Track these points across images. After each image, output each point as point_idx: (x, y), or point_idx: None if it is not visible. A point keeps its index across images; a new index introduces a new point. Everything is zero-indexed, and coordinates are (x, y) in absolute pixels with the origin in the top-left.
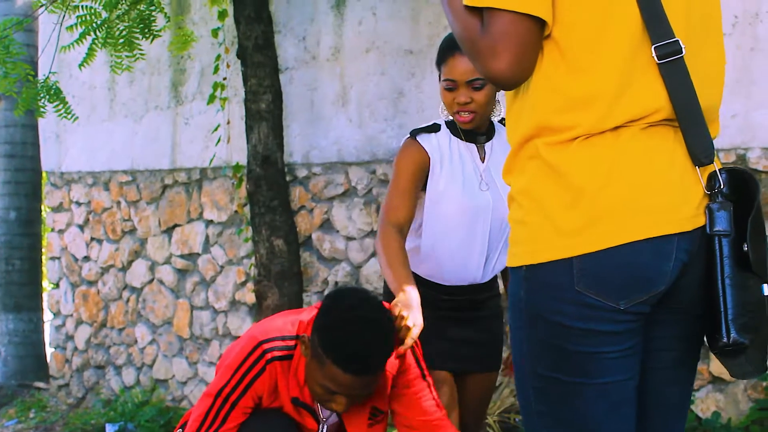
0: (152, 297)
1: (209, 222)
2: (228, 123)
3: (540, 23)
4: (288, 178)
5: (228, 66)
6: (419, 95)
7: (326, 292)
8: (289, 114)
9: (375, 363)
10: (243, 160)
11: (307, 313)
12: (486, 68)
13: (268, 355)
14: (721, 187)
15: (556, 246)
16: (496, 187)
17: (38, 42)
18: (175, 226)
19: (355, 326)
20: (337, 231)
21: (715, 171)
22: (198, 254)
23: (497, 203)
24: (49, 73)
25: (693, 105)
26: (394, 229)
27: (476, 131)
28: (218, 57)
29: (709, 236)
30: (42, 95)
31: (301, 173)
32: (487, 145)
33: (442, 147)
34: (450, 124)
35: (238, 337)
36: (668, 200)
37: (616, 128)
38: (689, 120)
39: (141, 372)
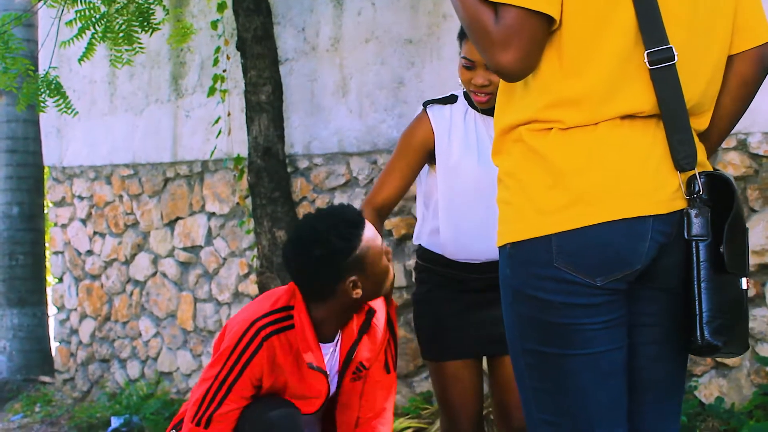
0: (156, 290)
1: (211, 214)
2: (228, 115)
3: (548, 21)
4: (289, 170)
5: (228, 58)
6: (419, 84)
7: None
8: (290, 105)
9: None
10: (244, 152)
11: (279, 292)
12: (495, 59)
13: (263, 332)
14: (700, 192)
15: (537, 224)
16: None
17: (38, 37)
18: (178, 219)
19: (328, 220)
20: None
21: (695, 175)
22: (201, 247)
23: None
24: (49, 67)
25: (679, 111)
26: (370, 212)
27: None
28: (218, 49)
29: (687, 241)
30: (42, 90)
31: (303, 164)
32: None
33: (455, 119)
34: (467, 95)
35: None
36: (644, 185)
37: (598, 122)
38: (674, 127)
39: (145, 365)
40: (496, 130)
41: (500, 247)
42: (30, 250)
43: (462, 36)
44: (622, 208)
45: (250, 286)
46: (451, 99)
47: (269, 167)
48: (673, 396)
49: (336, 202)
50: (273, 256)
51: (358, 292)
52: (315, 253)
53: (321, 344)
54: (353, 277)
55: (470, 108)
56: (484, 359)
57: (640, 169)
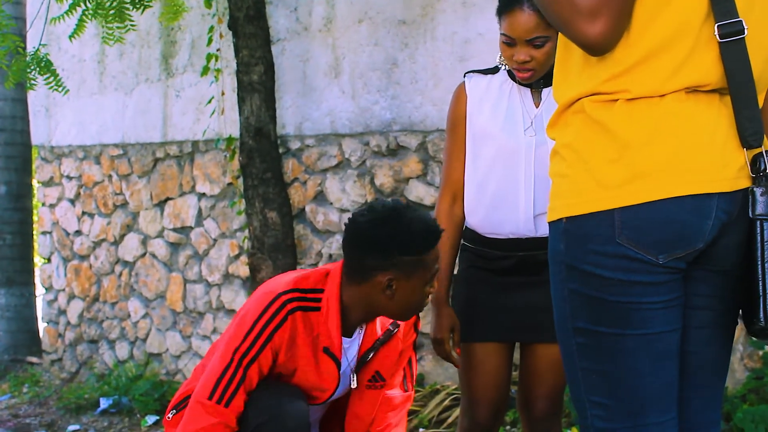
0: (145, 271)
1: (202, 195)
2: (223, 95)
3: None
4: (281, 150)
5: (222, 36)
6: (413, 66)
7: (320, 264)
8: (282, 86)
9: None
10: (235, 133)
11: (312, 273)
12: (580, 31)
13: (290, 306)
14: (766, 169)
15: (598, 198)
16: (543, 134)
17: (26, 15)
18: (168, 199)
19: (412, 216)
20: (331, 203)
21: (762, 153)
22: (191, 227)
23: (542, 147)
24: (39, 45)
25: (748, 87)
26: (447, 200)
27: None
28: (211, 28)
29: (751, 220)
30: (32, 67)
31: (294, 145)
32: (545, 91)
33: (491, 88)
34: (508, 70)
35: (232, 310)
36: (711, 160)
37: (664, 94)
38: (742, 102)
39: (134, 346)
40: (558, 103)
41: (552, 222)
42: (18, 230)
43: (500, 12)
44: (689, 184)
45: (241, 268)
46: (493, 70)
47: (261, 148)
48: (718, 382)
49: (327, 183)
50: (264, 237)
51: (389, 294)
52: (385, 230)
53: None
54: (393, 276)
55: (509, 79)
56: (517, 348)
57: (708, 144)
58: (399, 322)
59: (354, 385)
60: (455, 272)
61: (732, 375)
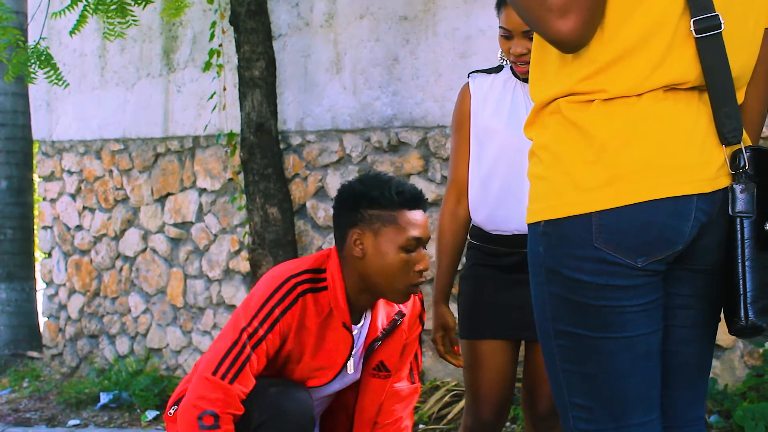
0: (145, 266)
1: (202, 190)
2: (224, 90)
3: None
4: (282, 146)
5: (224, 31)
6: (414, 62)
7: None
8: (283, 81)
9: (422, 192)
10: (236, 128)
11: (313, 255)
12: (551, 28)
13: (300, 288)
14: (746, 166)
15: (576, 201)
16: None
17: (27, 9)
18: (168, 194)
19: (385, 177)
20: (332, 199)
21: (740, 149)
22: (191, 223)
23: None
24: (40, 38)
25: (726, 83)
26: (452, 200)
27: None
28: (213, 24)
29: (731, 217)
30: (33, 61)
31: (295, 141)
32: None
33: (495, 86)
34: (511, 68)
35: (233, 306)
36: (689, 161)
37: (641, 93)
38: (721, 99)
39: (135, 341)
40: (534, 103)
41: (531, 225)
42: (18, 224)
43: (499, 5)
44: (668, 187)
45: (241, 263)
46: (497, 69)
47: (262, 143)
48: (700, 380)
49: (328, 179)
50: (265, 233)
51: (358, 253)
52: (359, 187)
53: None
54: (360, 230)
55: (513, 76)
56: (523, 346)
57: (686, 144)
58: (404, 311)
59: (352, 370)
60: (462, 270)
61: (732, 372)
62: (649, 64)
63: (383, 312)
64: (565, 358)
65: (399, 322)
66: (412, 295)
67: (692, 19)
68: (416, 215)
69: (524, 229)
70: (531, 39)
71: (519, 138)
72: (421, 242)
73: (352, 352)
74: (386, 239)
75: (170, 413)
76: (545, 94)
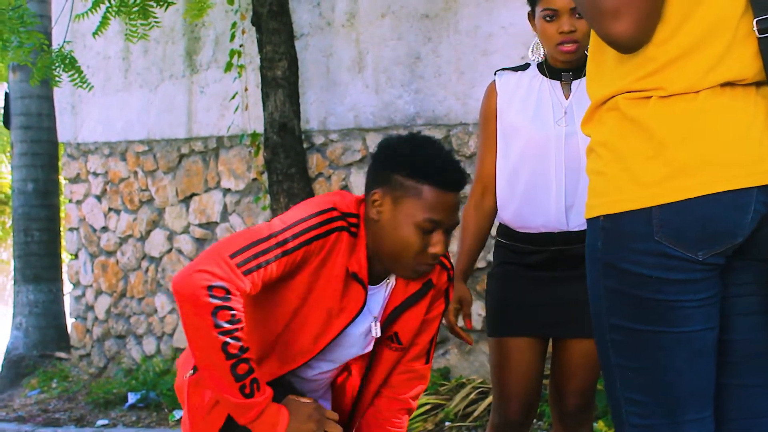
0: (171, 266)
1: (227, 191)
2: (246, 90)
3: None
4: (305, 146)
5: (244, 32)
6: (436, 60)
7: None
8: (305, 81)
9: (463, 175)
10: (259, 128)
11: (351, 196)
12: (606, 29)
13: (340, 222)
14: None
15: (636, 196)
16: (574, 124)
17: (51, 13)
18: (193, 195)
19: (432, 146)
20: None
21: None
22: (216, 223)
23: (572, 138)
24: (64, 42)
25: None
26: (478, 192)
27: (563, 69)
28: (234, 24)
29: None
30: (57, 65)
31: (318, 140)
32: (575, 82)
33: (521, 83)
34: (541, 65)
35: None
36: (748, 154)
37: (699, 90)
38: None
39: (161, 341)
40: (591, 100)
41: (590, 220)
42: (45, 226)
43: None
44: (727, 180)
45: None
46: (524, 66)
47: (285, 143)
48: None
49: (352, 178)
50: None
51: (375, 214)
52: (393, 148)
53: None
54: (382, 192)
55: (539, 74)
56: (550, 344)
57: (744, 138)
58: (433, 281)
59: (378, 333)
60: (490, 269)
61: None
62: (708, 62)
63: (409, 282)
64: (619, 353)
65: (426, 292)
66: (439, 269)
67: (755, 19)
68: (445, 197)
69: (550, 226)
70: (578, 17)
71: (544, 134)
72: (440, 225)
73: (362, 310)
74: (405, 211)
75: (186, 377)
76: (603, 92)
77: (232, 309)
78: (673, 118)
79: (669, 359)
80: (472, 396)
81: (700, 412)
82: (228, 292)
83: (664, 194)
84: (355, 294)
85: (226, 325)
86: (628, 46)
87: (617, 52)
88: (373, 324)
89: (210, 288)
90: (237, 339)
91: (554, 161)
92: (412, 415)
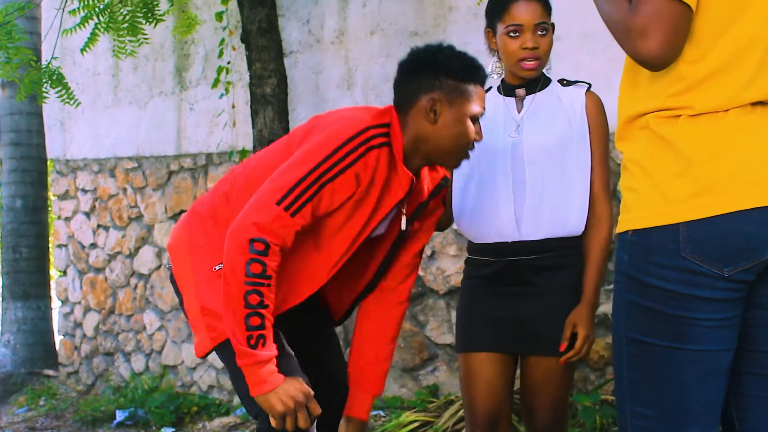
0: (160, 283)
1: None
2: (233, 107)
3: (688, 9)
4: None
5: (234, 49)
6: None
7: None
8: (294, 98)
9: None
10: (249, 145)
11: (376, 108)
12: (635, 48)
13: (375, 141)
14: None
15: (664, 212)
16: (522, 135)
17: (41, 30)
18: (182, 211)
19: (460, 52)
20: None
21: None
22: None
23: (519, 147)
24: (52, 58)
25: None
26: None
27: (515, 85)
28: (222, 41)
29: None
30: (45, 81)
31: None
32: (528, 98)
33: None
34: (499, 87)
35: None
36: None
37: (728, 109)
38: None
39: (150, 358)
40: (621, 117)
41: (620, 234)
42: (34, 243)
43: (499, 10)
44: (754, 197)
45: None
46: (487, 90)
47: None
48: None
49: None
50: None
51: (431, 118)
52: (436, 54)
53: None
54: (437, 97)
55: (498, 93)
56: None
57: None
58: (448, 177)
59: (404, 226)
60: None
61: None
62: (740, 82)
63: (428, 178)
64: (633, 366)
65: (443, 186)
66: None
67: None
68: (481, 91)
69: (504, 236)
70: (540, 35)
71: (490, 145)
72: (480, 116)
73: (401, 203)
74: (461, 110)
75: (215, 269)
76: (635, 109)
77: (265, 264)
78: (701, 136)
79: (680, 376)
80: (460, 413)
81: (705, 429)
82: (267, 246)
83: (692, 211)
84: (401, 183)
85: (254, 277)
86: (656, 63)
87: (649, 72)
88: (403, 219)
89: (252, 241)
90: (260, 294)
91: (502, 171)
92: None
